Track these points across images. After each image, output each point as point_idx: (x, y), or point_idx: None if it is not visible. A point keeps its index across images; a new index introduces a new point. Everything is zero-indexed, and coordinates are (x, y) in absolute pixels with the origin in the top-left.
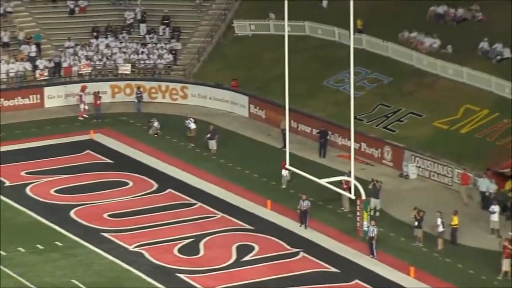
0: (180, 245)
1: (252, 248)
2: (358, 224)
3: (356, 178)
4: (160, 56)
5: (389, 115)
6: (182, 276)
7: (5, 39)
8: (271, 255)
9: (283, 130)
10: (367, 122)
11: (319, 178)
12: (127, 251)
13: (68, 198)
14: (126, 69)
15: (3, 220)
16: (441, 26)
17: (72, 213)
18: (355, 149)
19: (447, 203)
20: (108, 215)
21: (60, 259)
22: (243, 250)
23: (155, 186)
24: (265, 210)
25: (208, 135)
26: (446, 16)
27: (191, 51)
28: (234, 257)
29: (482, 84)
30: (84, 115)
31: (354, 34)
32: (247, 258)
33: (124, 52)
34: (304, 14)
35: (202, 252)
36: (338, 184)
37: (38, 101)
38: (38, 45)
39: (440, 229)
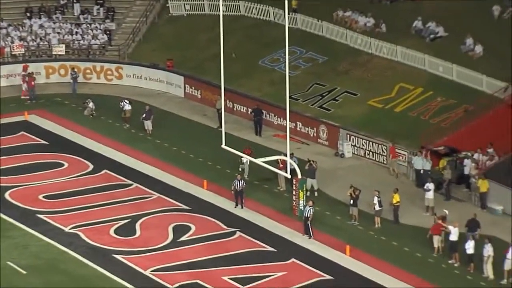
0: (116, 226)
1: (189, 228)
2: (294, 203)
3: (292, 157)
4: (94, 37)
5: (324, 94)
6: (118, 257)
7: None
8: (208, 235)
9: (219, 110)
10: (303, 101)
11: (255, 158)
12: (63, 233)
13: (2, 180)
14: (60, 49)
15: None
16: (375, 5)
17: (7, 195)
18: (290, 128)
19: (383, 181)
20: (44, 197)
21: None
22: (180, 230)
23: (91, 167)
24: (202, 190)
25: (144, 116)
26: None
27: (125, 32)
28: (170, 237)
29: (416, 63)
30: (26, 96)
31: (288, 13)
32: (183, 238)
33: (58, 33)
34: None
35: (138, 233)
36: (274, 163)
37: None
38: None
39: (377, 207)
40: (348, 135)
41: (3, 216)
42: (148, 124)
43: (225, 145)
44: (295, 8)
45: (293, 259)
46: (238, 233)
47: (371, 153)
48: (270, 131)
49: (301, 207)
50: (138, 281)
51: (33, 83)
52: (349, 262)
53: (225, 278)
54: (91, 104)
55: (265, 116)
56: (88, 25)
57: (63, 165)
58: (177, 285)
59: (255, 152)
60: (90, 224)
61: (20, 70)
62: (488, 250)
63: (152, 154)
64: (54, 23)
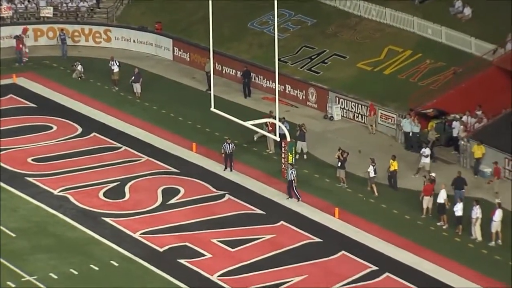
0: (106, 189)
1: (178, 191)
2: (283, 165)
3: (281, 120)
4: None
5: (313, 57)
6: (108, 219)
7: None
8: (197, 198)
9: (208, 73)
10: (292, 64)
11: (245, 120)
12: (52, 196)
13: None
14: (48, 12)
15: None
16: None
17: None
18: (279, 91)
19: (371, 144)
20: (33, 160)
21: None
22: (169, 193)
23: (80, 130)
24: (191, 153)
25: (133, 78)
26: None
27: None
28: (159, 200)
29: (404, 25)
30: (25, 58)
31: None
32: (172, 201)
33: None
34: None
35: (127, 196)
36: (263, 126)
37: None
38: None
39: (372, 174)
40: (337, 98)
41: None
42: (137, 87)
43: (214, 108)
44: None
45: (282, 222)
46: (227, 196)
47: (360, 115)
48: (259, 93)
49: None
50: (127, 244)
51: (21, 45)
52: (338, 224)
53: (214, 240)
54: (79, 67)
55: (254, 79)
56: None
57: (51, 128)
58: (166, 247)
59: (244, 115)
60: (79, 187)
61: (8, 33)
62: (476, 212)
63: (141, 117)
64: None
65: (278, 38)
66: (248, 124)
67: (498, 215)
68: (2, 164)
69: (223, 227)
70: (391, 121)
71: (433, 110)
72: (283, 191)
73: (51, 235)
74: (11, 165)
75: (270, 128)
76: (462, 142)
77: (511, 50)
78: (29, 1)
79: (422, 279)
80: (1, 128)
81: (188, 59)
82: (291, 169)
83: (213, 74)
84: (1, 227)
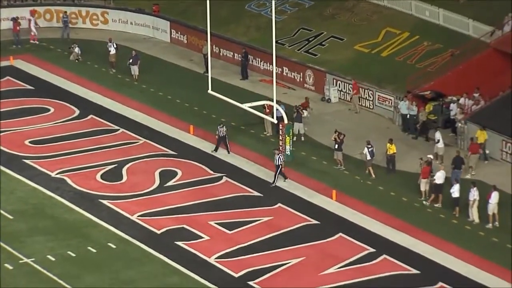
0: (103, 171)
1: (175, 173)
2: (280, 148)
3: (278, 103)
4: None
5: (310, 39)
6: (105, 202)
7: None
8: (194, 180)
9: (205, 55)
10: (289, 46)
11: (242, 103)
12: (49, 178)
13: None
14: None
15: None
16: None
17: None
18: (277, 73)
19: (368, 126)
20: (30, 142)
21: None
22: (166, 175)
23: (77, 112)
24: (188, 135)
25: (130, 61)
26: None
27: None
28: (157, 182)
29: (402, 7)
30: (35, 41)
31: None
32: (170, 183)
33: None
34: None
35: (125, 178)
36: (261, 108)
37: None
38: None
39: (368, 157)
40: (334, 80)
41: None
42: (135, 69)
43: (212, 90)
44: None
45: (279, 204)
46: (224, 178)
47: (357, 97)
48: (257, 76)
49: (288, 152)
50: (124, 226)
51: (18, 28)
52: (335, 206)
53: (212, 223)
54: (76, 49)
55: (252, 61)
56: None
57: (49, 110)
58: (163, 230)
59: (242, 97)
60: (77, 169)
61: (5, 15)
62: (474, 194)
63: (139, 99)
64: None
65: (275, 20)
66: (245, 106)
67: (494, 197)
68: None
69: (221, 209)
70: (389, 103)
71: (431, 92)
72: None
73: (49, 217)
74: (8, 147)
75: (268, 111)
76: (460, 124)
77: (509, 32)
78: None
79: (419, 261)
80: None
81: (186, 42)
82: (278, 154)
83: (211, 56)
84: None
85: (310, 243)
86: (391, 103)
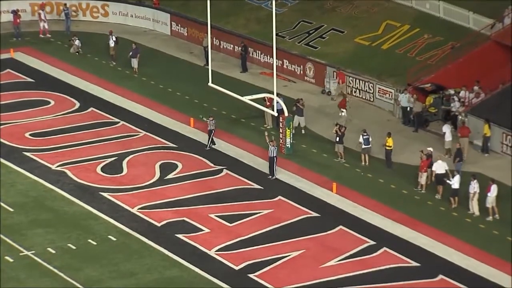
0: (103, 163)
1: (176, 166)
2: (281, 141)
3: (278, 95)
4: None
5: (311, 32)
6: (105, 194)
7: None
8: (195, 173)
9: (205, 48)
10: (289, 39)
11: (242, 96)
12: (50, 171)
13: None
14: None
15: None
16: None
17: None
18: (277, 66)
19: (369, 119)
20: (30, 134)
21: None
22: (167, 168)
23: (77, 105)
24: (188, 128)
25: (130, 53)
26: None
27: None
28: (157, 175)
29: (402, 0)
30: (46, 34)
31: None
32: (170, 176)
33: None
34: None
35: (125, 171)
36: (261, 101)
37: None
38: None
39: (363, 146)
40: (334, 73)
41: None
42: (135, 62)
43: (212, 83)
44: None
45: (279, 197)
46: (224, 171)
47: (357, 90)
48: (257, 68)
49: (288, 145)
50: (125, 218)
51: (18, 20)
52: (335, 199)
53: (212, 215)
54: (77, 42)
55: (252, 54)
56: None
57: (49, 103)
58: (164, 222)
59: (242, 90)
60: (77, 162)
61: (6, 7)
62: (474, 187)
63: (139, 92)
64: None
65: (275, 13)
66: (245, 99)
67: (493, 190)
68: (0, 139)
69: (221, 202)
70: (389, 96)
71: (431, 85)
72: (280, 166)
73: (49, 210)
74: (8, 140)
75: (268, 103)
76: (460, 117)
77: (509, 25)
78: None
79: (419, 254)
80: None
81: (186, 34)
82: (272, 146)
83: (211, 49)
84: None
85: (310, 236)
86: (392, 96)
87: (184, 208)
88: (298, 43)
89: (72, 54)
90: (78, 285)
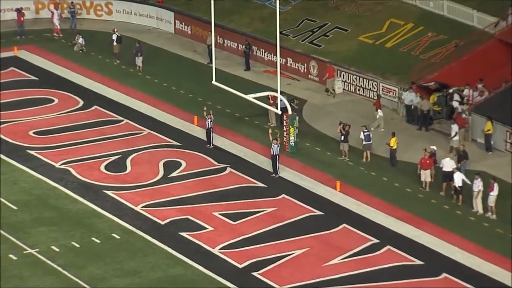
0: (107, 162)
1: (179, 164)
2: (285, 139)
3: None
4: None
5: (314, 30)
6: (109, 192)
7: None
8: (199, 171)
9: (209, 46)
10: (293, 37)
11: (246, 94)
12: (53, 169)
13: None
14: None
15: None
16: None
17: None
18: (281, 64)
19: (373, 117)
20: (34, 133)
21: None
22: (170, 166)
23: (81, 103)
24: (192, 126)
25: (134, 52)
26: None
27: None
28: (161, 173)
29: None
30: (58, 34)
31: None
32: (174, 174)
33: None
34: None
35: (129, 169)
36: (265, 99)
37: None
38: None
39: (364, 142)
40: (338, 71)
41: None
42: (139, 60)
43: (216, 81)
44: None
45: (283, 195)
46: (228, 169)
47: (361, 88)
48: (261, 67)
49: (292, 143)
50: (128, 216)
51: (22, 18)
52: (339, 197)
53: (216, 213)
54: (80, 40)
55: (256, 52)
56: None
57: (53, 101)
58: (167, 220)
59: (245, 87)
60: (81, 160)
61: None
62: (478, 185)
63: (143, 90)
64: None
65: (279, 11)
66: (249, 97)
67: (496, 189)
68: (3, 137)
69: (225, 200)
70: (393, 94)
71: (435, 83)
72: (285, 164)
73: (53, 208)
74: (12, 138)
75: (272, 102)
76: (464, 115)
77: None
78: None
79: (423, 252)
80: (2, 101)
81: (190, 32)
82: (275, 144)
83: (215, 47)
84: (2, 200)
85: (314, 234)
86: (395, 94)
87: (188, 206)
88: (302, 41)
89: (76, 52)
90: (82, 283)
